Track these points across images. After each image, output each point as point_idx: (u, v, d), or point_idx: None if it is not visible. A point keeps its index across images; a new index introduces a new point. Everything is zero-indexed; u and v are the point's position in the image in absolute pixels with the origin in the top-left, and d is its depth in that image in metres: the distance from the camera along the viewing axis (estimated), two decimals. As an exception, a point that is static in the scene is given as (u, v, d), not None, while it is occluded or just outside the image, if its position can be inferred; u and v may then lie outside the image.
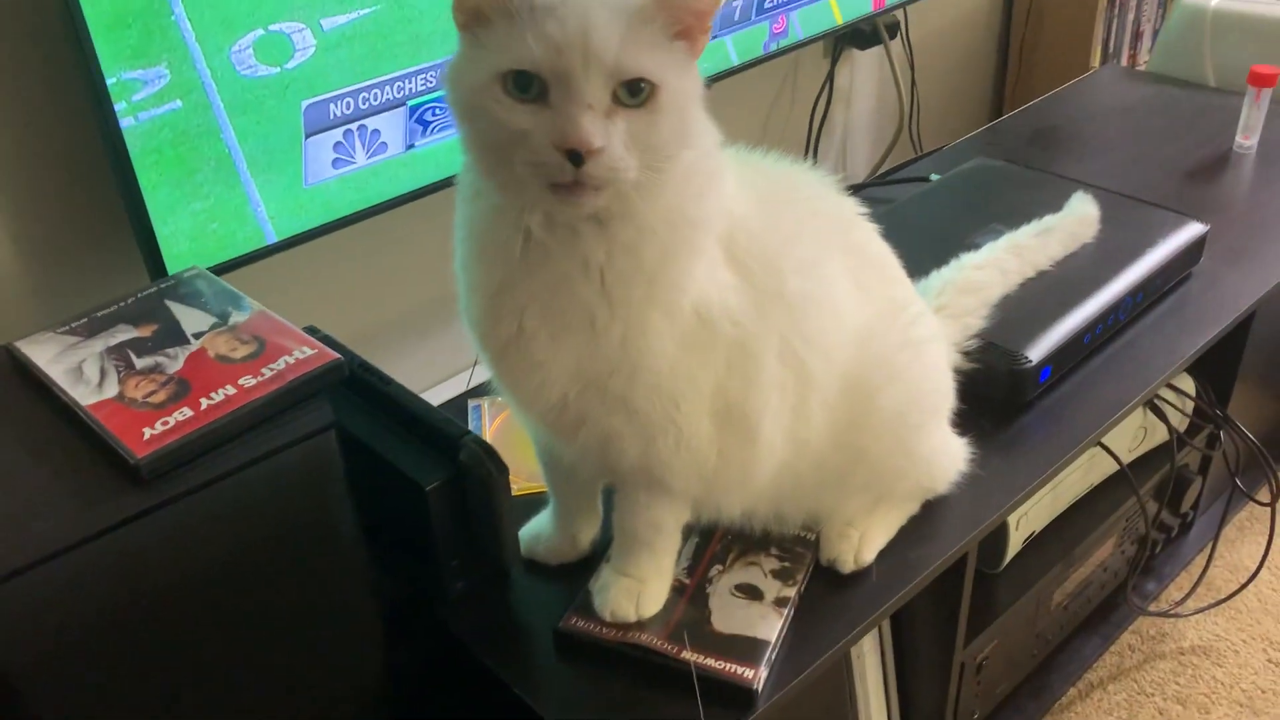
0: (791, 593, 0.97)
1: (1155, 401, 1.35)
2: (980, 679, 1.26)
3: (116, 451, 0.77)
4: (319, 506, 0.85)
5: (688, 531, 0.99)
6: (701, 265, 0.82)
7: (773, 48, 1.60)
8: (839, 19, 1.68)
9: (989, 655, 1.25)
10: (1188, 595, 1.49)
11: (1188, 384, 1.40)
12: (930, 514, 1.07)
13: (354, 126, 1.19)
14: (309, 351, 0.85)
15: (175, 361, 0.85)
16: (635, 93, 0.72)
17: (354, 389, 1.01)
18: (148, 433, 0.78)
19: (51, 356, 0.86)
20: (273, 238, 1.17)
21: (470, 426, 1.21)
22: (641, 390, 0.83)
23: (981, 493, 1.08)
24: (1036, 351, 1.18)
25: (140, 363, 0.85)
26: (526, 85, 0.71)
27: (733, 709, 0.89)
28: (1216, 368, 1.42)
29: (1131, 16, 2.39)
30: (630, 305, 0.80)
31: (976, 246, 1.26)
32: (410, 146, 1.24)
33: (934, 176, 1.61)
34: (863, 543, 1.01)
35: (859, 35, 1.93)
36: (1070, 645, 1.45)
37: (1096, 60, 2.29)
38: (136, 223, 1.08)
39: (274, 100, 1.12)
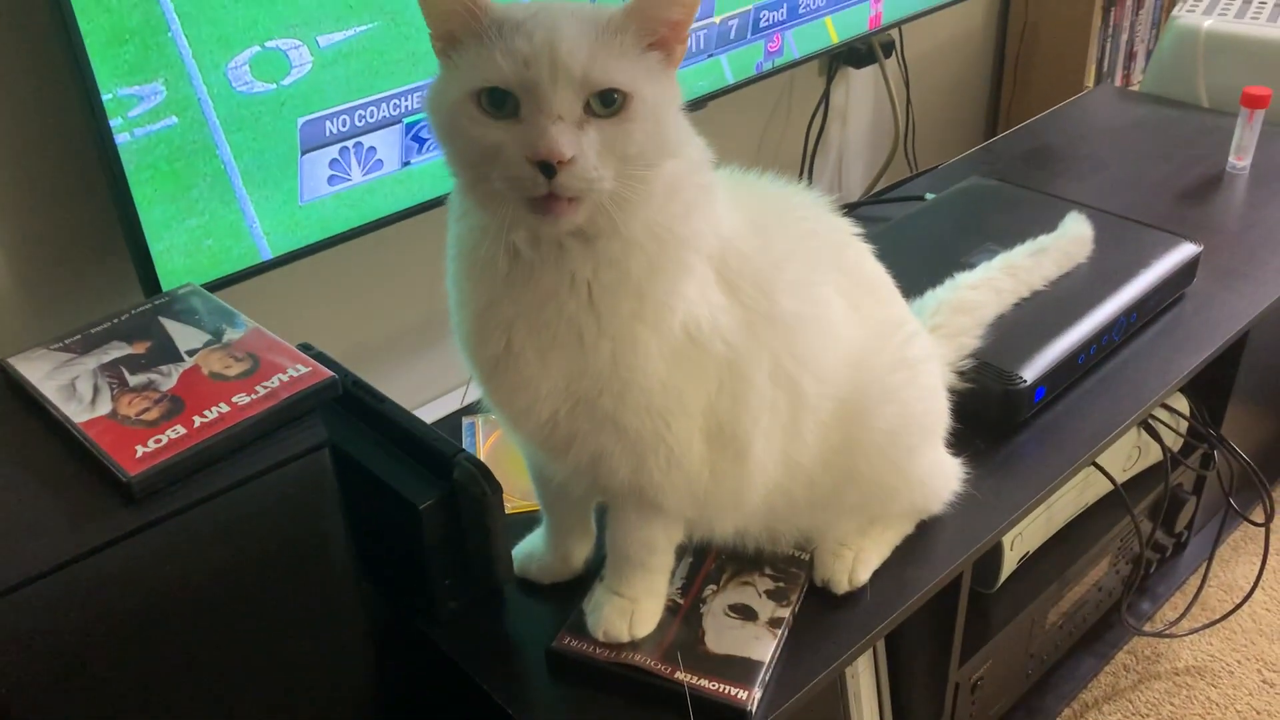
0: (786, 613, 0.97)
1: (1149, 421, 1.35)
2: (975, 699, 1.26)
3: (109, 469, 0.77)
4: (312, 525, 0.85)
5: (681, 551, 0.99)
6: (692, 284, 0.82)
7: (768, 67, 1.61)
8: (834, 38, 1.69)
9: (984, 675, 1.25)
10: (1182, 615, 1.49)
11: (1182, 404, 1.40)
12: (925, 534, 1.06)
13: (350, 144, 1.19)
14: (303, 369, 0.85)
15: (169, 379, 0.85)
16: (608, 103, 0.72)
17: (348, 406, 1.01)
18: (140, 450, 0.77)
19: (44, 373, 0.86)
20: (268, 254, 1.17)
21: (464, 444, 1.20)
22: (631, 409, 0.82)
23: (976, 513, 1.08)
24: (1031, 371, 1.18)
25: (133, 380, 0.85)
26: (500, 103, 0.72)
27: (726, 730, 0.89)
28: (1210, 388, 1.42)
29: (1125, 37, 2.41)
30: (618, 321, 0.80)
31: (971, 266, 1.27)
32: (406, 164, 1.24)
33: (929, 195, 1.62)
34: (857, 563, 1.00)
35: (854, 54, 1.94)
36: (1065, 665, 1.44)
37: (1090, 80, 2.30)
38: (131, 239, 1.07)
39: (270, 117, 1.12)
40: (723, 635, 0.95)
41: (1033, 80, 2.35)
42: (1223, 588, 1.60)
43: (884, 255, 1.00)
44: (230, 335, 0.90)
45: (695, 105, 1.50)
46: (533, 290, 0.79)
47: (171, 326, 0.92)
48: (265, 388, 0.83)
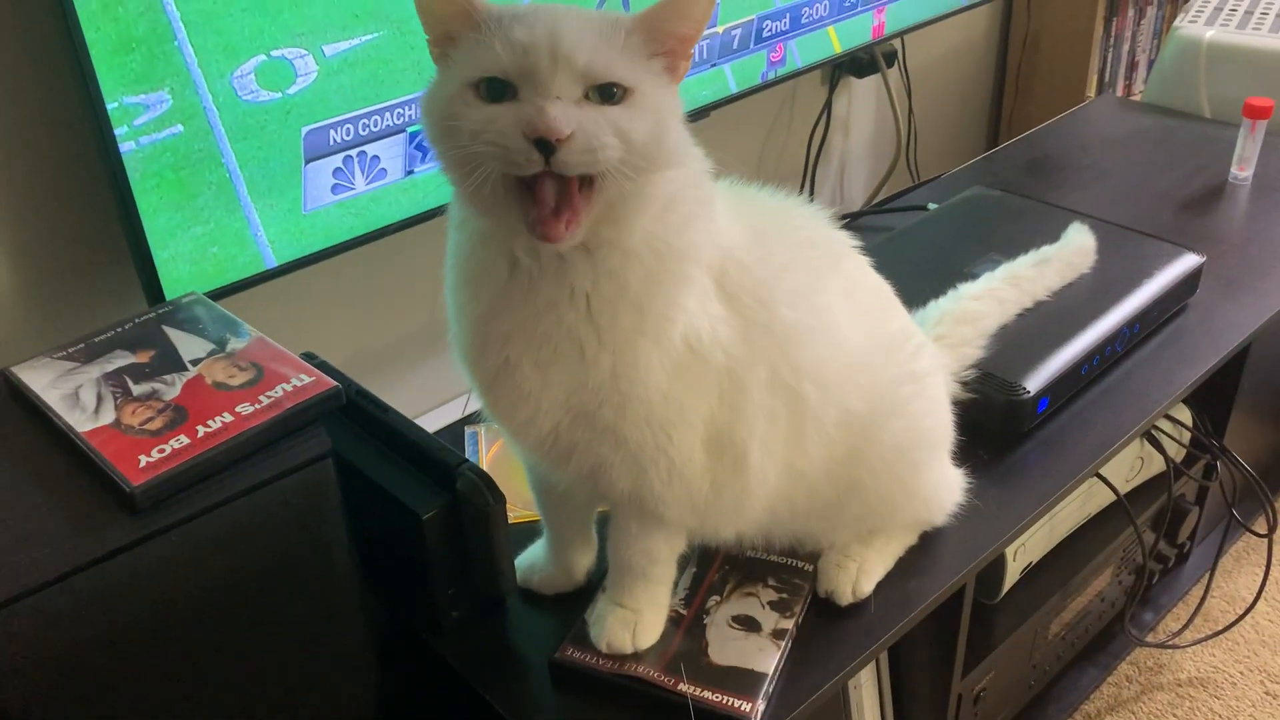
0: (789, 624, 0.97)
1: (1152, 432, 1.35)
2: (978, 710, 1.26)
3: (112, 479, 0.77)
4: (315, 535, 0.85)
5: (684, 561, 0.99)
6: (692, 296, 0.82)
7: (771, 76, 1.61)
8: (837, 48, 1.69)
9: (986, 686, 1.25)
10: (1185, 626, 1.49)
11: (1184, 415, 1.40)
12: (928, 545, 1.06)
13: (354, 152, 1.19)
14: (306, 379, 0.85)
15: (172, 388, 0.85)
16: (608, 96, 0.71)
17: (351, 416, 1.01)
18: (144, 460, 0.77)
19: (48, 382, 0.86)
20: (272, 262, 1.17)
21: (467, 453, 1.20)
22: (632, 421, 0.82)
23: (979, 524, 1.08)
24: (1034, 382, 1.18)
25: (137, 389, 0.85)
26: (498, 94, 0.71)
27: (729, 742, 0.88)
28: (1213, 399, 1.42)
29: (1127, 47, 2.41)
30: (618, 334, 0.79)
31: (974, 276, 1.27)
32: (409, 173, 1.24)
33: (931, 205, 1.62)
34: (860, 574, 1.00)
35: (857, 64, 1.94)
36: (1067, 676, 1.44)
37: (1092, 90, 2.31)
38: (135, 247, 1.07)
39: (275, 125, 1.12)
40: (726, 646, 0.95)
41: (1034, 90, 2.35)
42: (1225, 599, 1.59)
43: (887, 265, 1.00)
44: (234, 345, 0.90)
45: (698, 114, 1.50)
46: (532, 302, 0.79)
47: (175, 335, 0.92)
48: (269, 397, 0.83)
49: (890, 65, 1.98)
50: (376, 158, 1.21)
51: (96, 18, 0.98)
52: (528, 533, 1.06)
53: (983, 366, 1.17)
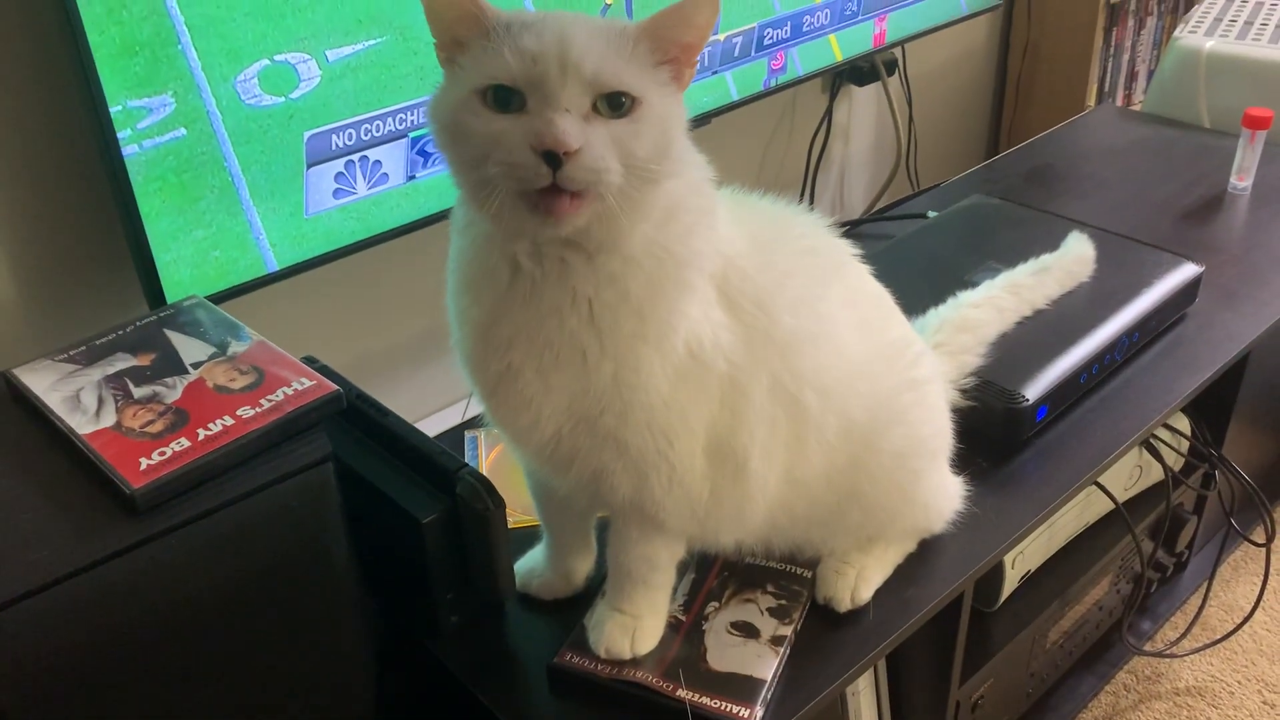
0: (788, 631, 0.97)
1: (1151, 441, 1.35)
2: (976, 717, 1.26)
3: (113, 481, 0.77)
4: (315, 538, 0.85)
5: (683, 567, 0.99)
6: (694, 303, 0.82)
7: (772, 84, 1.61)
8: (838, 56, 1.70)
9: (984, 694, 1.25)
10: (1183, 635, 1.49)
11: (1183, 424, 1.40)
12: (926, 553, 1.06)
13: (356, 157, 1.19)
14: (307, 383, 0.85)
15: (173, 391, 0.85)
16: (616, 106, 0.72)
17: (351, 420, 1.01)
18: (144, 463, 0.77)
19: (49, 384, 0.86)
20: (274, 266, 1.17)
21: (467, 458, 1.20)
22: (634, 427, 0.82)
23: (978, 532, 1.08)
24: (1033, 390, 1.18)
25: (138, 392, 0.85)
26: (506, 101, 0.71)
27: (728, 748, 0.88)
28: (1212, 408, 1.42)
29: (1127, 57, 2.42)
30: (620, 340, 0.79)
31: (973, 284, 1.27)
32: (411, 178, 1.25)
33: (931, 213, 1.62)
34: (859, 581, 1.00)
35: (857, 72, 1.95)
36: (1065, 684, 1.44)
37: (1092, 100, 2.31)
38: (136, 250, 1.08)
39: (278, 130, 1.12)
40: (725, 653, 0.95)
41: (1034, 99, 2.36)
42: (1223, 608, 1.59)
43: (886, 273, 1.01)
44: (235, 348, 0.90)
45: (700, 121, 1.49)
46: (534, 307, 0.79)
47: (176, 339, 0.92)
48: (270, 401, 0.83)
49: (891, 74, 1.98)
50: (378, 162, 1.21)
51: (101, 21, 0.98)
52: (527, 538, 1.06)
53: (982, 374, 1.17)
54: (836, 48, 1.69)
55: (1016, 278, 1.28)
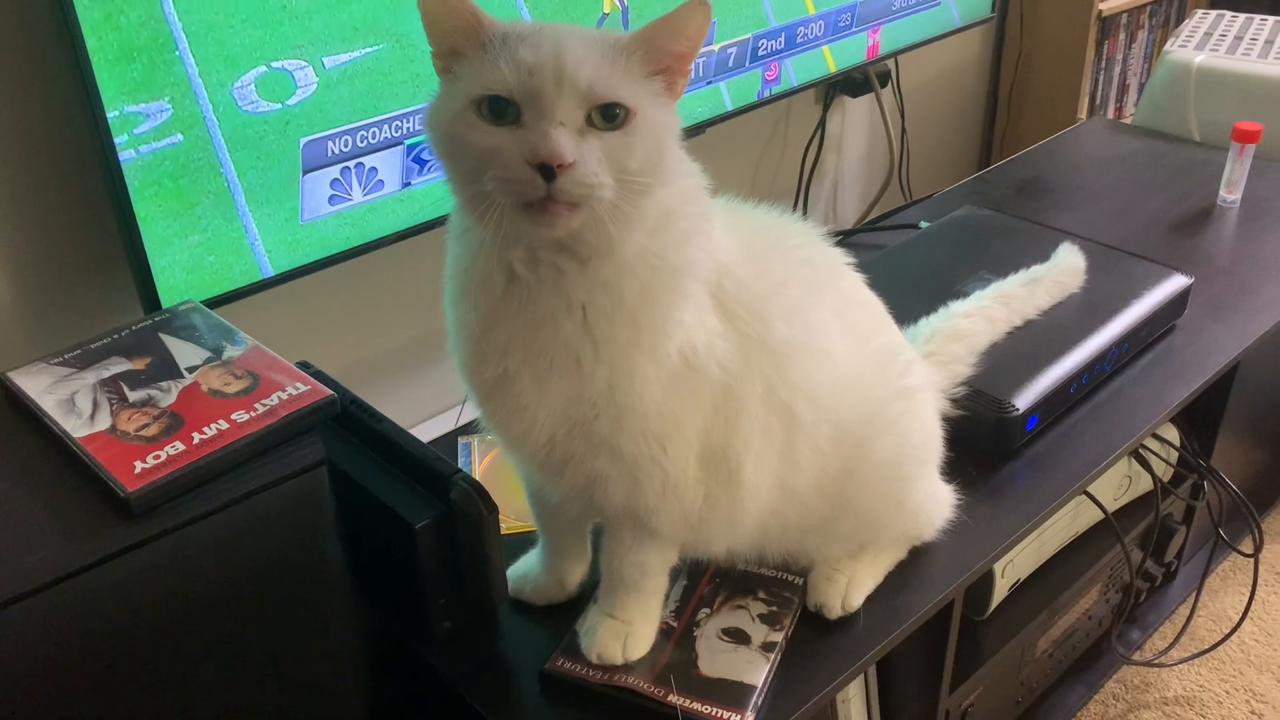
0: (778, 637, 0.97)
1: (1140, 451, 1.36)
2: (965, 726, 1.26)
3: (107, 484, 0.77)
4: (308, 543, 0.85)
5: (676, 573, 0.99)
6: (688, 310, 0.83)
7: (766, 94, 1.62)
8: (832, 67, 1.71)
9: (974, 702, 1.25)
10: (1171, 645, 1.50)
11: (1172, 434, 1.41)
12: (917, 560, 1.07)
13: (351, 164, 1.20)
14: (302, 388, 0.86)
15: (168, 395, 0.85)
16: (610, 118, 0.73)
17: (345, 425, 1.01)
18: (139, 466, 0.78)
19: (44, 387, 0.86)
20: (269, 272, 1.17)
21: (460, 464, 1.21)
22: (628, 434, 0.83)
23: (968, 540, 1.09)
24: (1023, 400, 1.19)
25: (133, 395, 0.85)
26: (501, 112, 0.72)
27: (718, 754, 0.89)
28: (1200, 418, 1.43)
29: (1118, 70, 2.44)
30: (614, 347, 0.80)
31: (965, 294, 1.28)
32: (407, 185, 1.25)
33: (923, 224, 1.63)
34: (850, 588, 1.01)
35: (851, 83, 1.96)
36: (1054, 693, 1.45)
37: (1083, 112, 2.33)
38: (132, 255, 1.08)
39: (274, 136, 1.13)
40: (716, 659, 0.95)
41: (1026, 111, 2.37)
42: (1211, 618, 1.60)
43: (878, 282, 1.01)
44: (230, 352, 0.90)
45: (695, 131, 1.51)
46: (530, 313, 0.79)
47: (171, 343, 0.92)
48: (264, 405, 0.84)
49: (884, 85, 1.99)
50: (374, 169, 1.22)
51: (99, 27, 0.99)
52: (520, 543, 1.06)
53: (972, 384, 1.18)
54: (830, 59, 1.70)
55: (1007, 288, 1.29)
